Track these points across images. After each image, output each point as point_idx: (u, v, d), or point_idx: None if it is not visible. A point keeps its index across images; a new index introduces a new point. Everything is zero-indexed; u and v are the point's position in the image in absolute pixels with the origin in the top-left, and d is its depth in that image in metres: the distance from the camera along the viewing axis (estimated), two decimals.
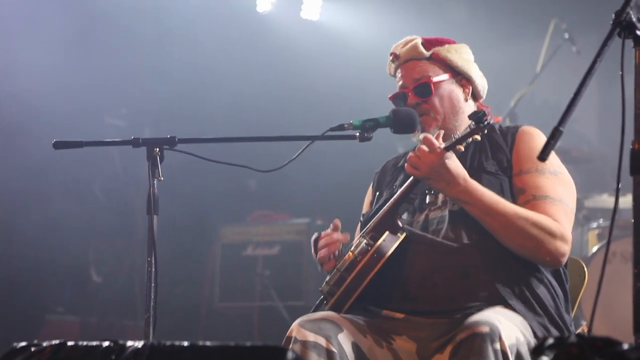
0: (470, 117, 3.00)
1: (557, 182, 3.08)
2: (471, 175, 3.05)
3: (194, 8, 7.66)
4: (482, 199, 2.98)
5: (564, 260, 3.04)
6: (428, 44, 3.33)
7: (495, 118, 3.35)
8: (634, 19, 2.34)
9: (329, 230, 3.24)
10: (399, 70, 3.36)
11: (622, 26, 2.34)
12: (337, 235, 3.20)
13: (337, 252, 3.18)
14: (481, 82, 3.37)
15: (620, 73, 2.37)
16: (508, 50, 8.55)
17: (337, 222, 3.23)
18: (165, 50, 7.59)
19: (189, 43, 7.74)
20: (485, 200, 2.98)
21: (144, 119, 7.71)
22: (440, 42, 3.35)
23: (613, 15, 2.35)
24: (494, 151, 3.19)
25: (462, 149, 3.01)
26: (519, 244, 2.99)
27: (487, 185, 3.05)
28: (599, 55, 2.29)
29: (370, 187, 3.54)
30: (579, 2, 8.11)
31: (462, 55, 3.34)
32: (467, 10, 8.74)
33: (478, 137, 3.00)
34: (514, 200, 3.07)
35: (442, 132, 3.11)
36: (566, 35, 7.42)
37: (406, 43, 3.35)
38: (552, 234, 2.97)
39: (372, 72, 7.87)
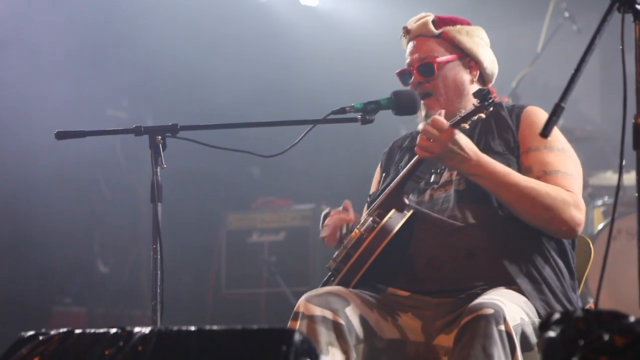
0: (475, 94, 3.00)
1: (566, 158, 3.10)
2: None
3: None
4: (494, 172, 2.99)
5: (580, 229, 3.04)
6: (440, 22, 3.30)
7: (502, 99, 3.36)
8: None
9: (340, 209, 3.27)
10: (409, 45, 3.35)
11: (621, 1, 2.33)
12: (345, 215, 3.22)
13: (343, 231, 3.20)
14: (491, 67, 3.33)
15: (621, 47, 2.37)
16: (508, 31, 8.53)
17: (348, 203, 3.25)
18: (165, 39, 7.57)
19: (189, 31, 7.73)
20: (498, 172, 2.98)
21: (145, 110, 7.70)
22: (453, 22, 3.32)
23: None
24: (500, 131, 3.18)
25: (467, 126, 3.01)
26: (534, 215, 2.99)
27: None
28: (598, 30, 2.29)
29: (378, 167, 3.54)
30: None
31: (474, 38, 3.29)
32: None
33: (483, 115, 3.00)
34: None
35: (443, 111, 3.09)
36: (566, 14, 7.40)
37: (419, 19, 3.32)
38: (566, 203, 2.98)
39: (372, 55, 7.92)
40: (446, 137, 2.94)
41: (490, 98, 2.97)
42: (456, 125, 2.98)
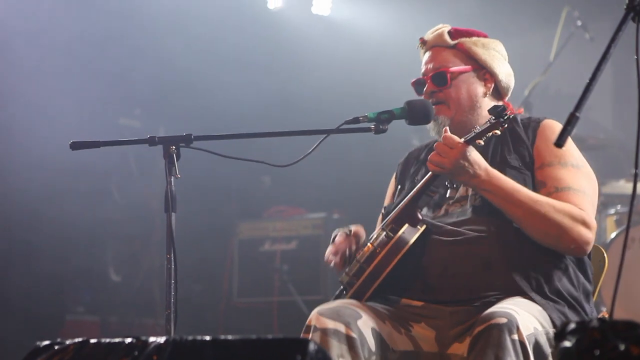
0: (490, 111, 2.97)
1: (580, 174, 3.08)
2: (495, 169, 3.05)
3: (206, 6, 7.67)
4: (504, 188, 2.98)
5: (589, 248, 3.03)
6: (456, 33, 3.30)
7: (517, 110, 3.34)
8: None
9: (343, 237, 3.24)
10: (425, 56, 3.35)
11: (636, 10, 2.33)
12: (350, 242, 3.22)
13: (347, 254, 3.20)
14: (506, 80, 3.31)
15: (636, 57, 2.37)
16: (521, 39, 8.52)
17: (359, 229, 3.24)
18: (178, 48, 7.60)
19: (202, 42, 7.75)
20: (507, 189, 2.98)
21: (158, 119, 7.73)
22: (469, 34, 3.31)
23: (627, 0, 2.34)
24: (516, 145, 3.18)
25: (482, 142, 3.00)
26: (542, 232, 2.99)
27: (512, 179, 3.05)
28: (613, 40, 2.29)
29: (393, 178, 3.53)
30: None
31: (490, 51, 3.28)
32: (479, 1, 8.72)
33: (498, 132, 2.98)
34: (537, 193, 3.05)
35: (447, 128, 3.08)
36: (579, 23, 7.39)
37: (435, 30, 3.33)
38: (575, 220, 2.96)
39: (385, 65, 7.93)
40: (457, 154, 2.94)
41: (506, 115, 2.95)
42: (470, 141, 2.97)
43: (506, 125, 2.99)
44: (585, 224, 2.98)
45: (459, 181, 3.08)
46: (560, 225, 2.96)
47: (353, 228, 3.28)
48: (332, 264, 3.26)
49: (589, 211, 3.02)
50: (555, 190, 3.03)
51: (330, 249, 3.28)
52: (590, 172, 3.14)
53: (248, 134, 3.31)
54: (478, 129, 2.99)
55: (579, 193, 3.03)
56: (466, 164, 2.95)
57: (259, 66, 7.96)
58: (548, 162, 3.10)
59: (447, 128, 3.07)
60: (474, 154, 2.97)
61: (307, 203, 8.11)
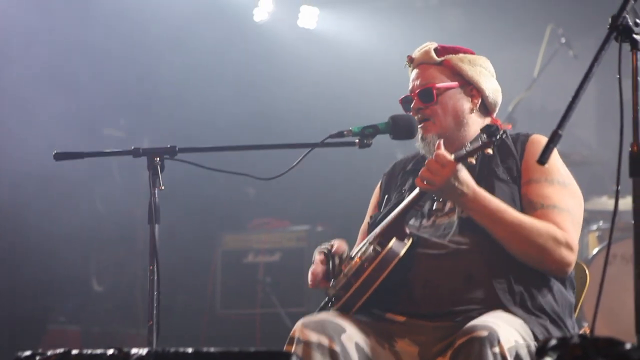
0: (484, 130, 2.97)
1: (566, 192, 3.09)
2: (482, 182, 3.07)
3: (191, 18, 7.68)
4: (489, 207, 2.99)
5: (570, 269, 3.05)
6: (442, 50, 3.31)
7: (505, 126, 3.36)
8: (631, 23, 2.36)
9: (324, 255, 3.24)
10: (412, 73, 3.35)
11: (618, 30, 2.36)
12: (323, 266, 3.21)
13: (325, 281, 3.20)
14: (493, 96, 3.31)
15: (618, 77, 2.39)
16: (505, 55, 8.55)
17: (341, 246, 3.24)
18: (163, 60, 7.60)
19: (187, 53, 7.75)
20: (492, 208, 2.99)
21: (142, 130, 7.72)
22: (455, 51, 3.32)
23: (610, 20, 2.36)
24: (504, 158, 3.18)
25: (474, 162, 3.01)
26: (524, 252, 3.00)
27: (499, 192, 3.06)
28: (596, 59, 2.31)
29: (378, 188, 3.52)
30: (575, 7, 8.13)
31: (476, 67, 3.28)
32: (464, 17, 8.76)
33: (490, 151, 2.99)
34: (522, 209, 3.06)
35: (441, 141, 3.08)
36: (563, 40, 7.44)
37: (422, 47, 3.33)
38: (557, 242, 2.97)
39: (370, 79, 7.95)
40: (449, 172, 2.95)
41: (499, 135, 2.95)
42: (462, 159, 2.98)
43: (496, 144, 3.00)
44: (567, 246, 2.99)
45: (446, 198, 3.09)
46: (543, 248, 2.97)
47: (335, 244, 3.26)
48: (315, 285, 3.25)
49: (572, 232, 3.02)
50: (540, 207, 3.04)
51: (311, 271, 3.27)
52: (577, 189, 3.14)
53: (232, 147, 3.32)
54: (469, 147, 2.99)
55: (563, 212, 3.03)
56: (456, 183, 2.96)
57: (244, 78, 7.97)
58: (536, 178, 3.10)
59: (441, 142, 3.07)
60: (464, 173, 2.98)
61: (291, 215, 8.12)
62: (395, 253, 3.06)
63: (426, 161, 3.01)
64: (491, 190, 3.06)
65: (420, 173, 3.02)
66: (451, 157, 2.97)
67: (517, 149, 3.19)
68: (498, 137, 2.95)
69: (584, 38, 7.77)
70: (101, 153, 3.29)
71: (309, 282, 3.26)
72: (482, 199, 3.00)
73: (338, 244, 3.25)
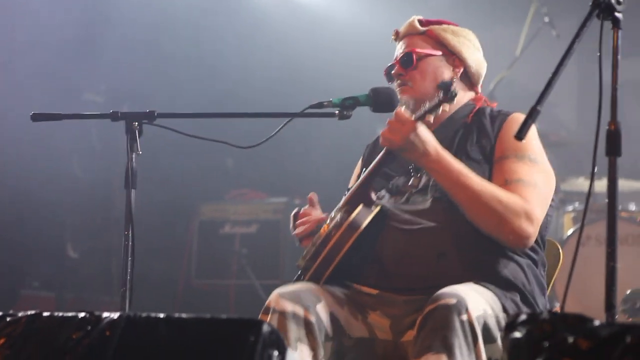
0: (439, 86, 3.01)
1: (534, 168, 3.07)
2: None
3: None
4: (451, 170, 2.99)
5: (529, 242, 3.02)
6: (426, 22, 3.34)
7: (490, 103, 3.36)
8: (613, 1, 2.36)
9: (308, 208, 3.28)
10: (397, 46, 3.37)
11: (600, 7, 2.36)
12: (316, 215, 3.23)
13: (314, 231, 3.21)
14: (476, 67, 3.32)
15: (599, 54, 2.39)
16: (488, 33, 8.53)
17: (313, 195, 3.26)
18: (145, 25, 7.54)
19: (169, 19, 7.69)
20: (454, 171, 2.99)
21: (122, 96, 7.67)
22: (439, 22, 3.34)
23: None
24: (480, 137, 3.18)
25: (431, 120, 3.00)
26: (482, 219, 2.99)
27: None
28: (577, 35, 2.32)
29: (360, 160, 3.53)
30: None
31: (459, 38, 3.30)
32: None
33: (447, 109, 3.00)
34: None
35: (403, 107, 3.11)
36: (546, 19, 7.43)
37: (408, 22, 3.36)
38: (517, 213, 2.95)
39: (352, 51, 7.92)
40: (408, 130, 2.96)
41: (454, 91, 2.96)
42: (420, 118, 2.98)
43: (454, 102, 2.99)
44: (527, 217, 2.97)
45: (409, 158, 3.06)
46: (501, 215, 2.96)
47: (308, 198, 3.31)
48: (300, 240, 3.27)
49: (535, 205, 3.00)
50: (505, 183, 3.03)
51: (299, 225, 3.29)
52: (548, 168, 3.13)
53: (212, 114, 3.33)
54: (427, 105, 3.00)
55: (529, 186, 3.01)
56: (416, 141, 2.96)
57: (226, 47, 7.92)
58: (506, 155, 3.10)
59: (402, 107, 3.09)
60: (425, 132, 2.98)
61: (269, 187, 8.11)
62: (362, 219, 3.06)
63: (387, 120, 3.02)
64: None
65: (381, 132, 3.03)
66: (411, 116, 2.98)
67: (494, 126, 3.19)
68: (453, 92, 2.95)
69: (568, 18, 7.74)
70: (79, 115, 3.27)
71: (297, 231, 3.28)
72: (445, 161, 2.99)
73: (309, 197, 3.28)
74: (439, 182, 3.03)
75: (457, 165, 3.00)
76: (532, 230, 2.99)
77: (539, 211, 3.01)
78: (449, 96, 2.96)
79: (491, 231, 3.00)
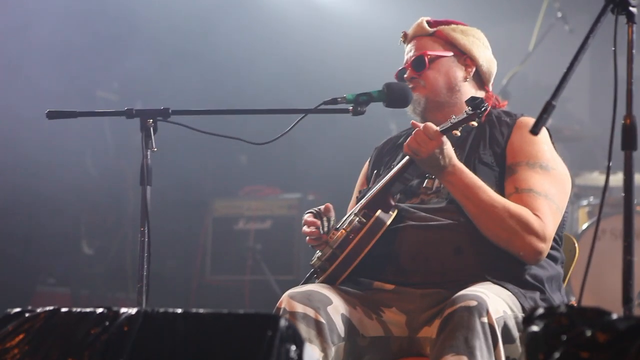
0: (468, 102, 2.99)
1: (546, 177, 3.06)
2: (467, 163, 3.08)
3: None
4: (464, 181, 2.99)
5: (540, 258, 3.01)
6: (434, 22, 3.34)
7: (501, 104, 3.35)
8: None
9: (313, 215, 3.23)
10: (407, 48, 3.37)
11: (615, 2, 2.35)
12: (320, 229, 3.19)
13: (319, 232, 3.18)
14: (487, 66, 3.32)
15: (613, 49, 2.39)
16: (501, 28, 8.54)
17: (329, 206, 3.23)
18: (159, 24, 7.56)
19: (183, 18, 7.71)
20: (468, 184, 2.99)
21: (135, 93, 7.69)
22: (447, 22, 3.34)
23: None
24: (492, 140, 3.18)
25: (458, 133, 3.01)
26: (494, 233, 2.99)
27: (482, 175, 3.05)
28: (592, 30, 2.31)
29: (367, 163, 3.52)
30: None
31: (469, 37, 3.30)
32: None
33: (475, 123, 2.99)
34: (502, 193, 3.05)
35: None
36: (559, 14, 7.42)
37: (415, 23, 3.36)
38: (528, 229, 2.95)
39: (366, 47, 7.93)
40: (435, 145, 2.95)
41: (484, 107, 2.96)
42: (446, 131, 2.99)
43: (483, 118, 3.00)
44: (538, 234, 2.96)
45: (426, 169, 3.08)
46: (512, 232, 2.95)
47: (321, 207, 3.26)
48: (309, 233, 3.22)
49: (547, 220, 2.98)
50: (515, 191, 3.02)
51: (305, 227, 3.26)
52: (561, 174, 3.11)
53: (226, 110, 3.31)
54: (454, 119, 3.00)
55: (540, 197, 3.00)
56: (440, 157, 2.97)
57: (239, 44, 7.93)
58: (517, 161, 3.09)
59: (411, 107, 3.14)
60: (448, 147, 2.99)
61: (283, 183, 8.13)
62: (381, 225, 3.06)
63: (414, 131, 3.01)
64: (474, 173, 3.05)
65: (407, 141, 3.02)
66: (437, 129, 2.97)
67: (503, 130, 3.18)
68: (483, 109, 2.95)
69: (581, 13, 7.75)
70: (94, 113, 3.28)
71: (307, 240, 3.24)
72: (460, 173, 2.99)
73: (325, 205, 3.25)
74: (452, 193, 3.03)
75: (471, 178, 3.00)
76: (543, 247, 2.99)
77: (551, 226, 3.00)
78: (478, 113, 2.96)
79: (502, 245, 3.00)
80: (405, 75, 3.31)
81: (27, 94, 6.76)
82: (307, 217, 3.22)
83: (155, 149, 3.03)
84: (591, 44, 2.37)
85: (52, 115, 3.14)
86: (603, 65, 7.59)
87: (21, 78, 6.87)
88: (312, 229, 3.16)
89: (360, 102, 3.15)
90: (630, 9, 2.36)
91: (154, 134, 3.04)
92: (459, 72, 3.29)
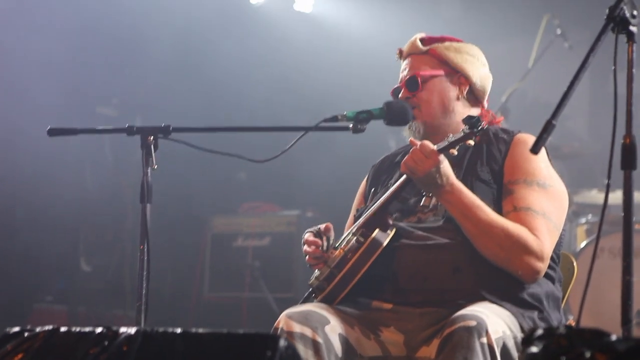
0: (465, 121, 2.99)
1: (544, 195, 3.05)
2: (465, 181, 3.07)
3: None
4: (464, 202, 2.98)
5: (538, 277, 3.01)
6: (428, 40, 3.33)
7: (496, 120, 3.35)
8: (628, 15, 2.36)
9: (313, 234, 3.23)
10: (402, 65, 3.38)
11: (615, 21, 2.36)
12: (318, 241, 3.19)
13: (321, 251, 3.17)
14: (481, 83, 3.31)
15: (613, 68, 2.39)
16: (500, 45, 8.56)
17: (329, 225, 3.23)
18: (158, 40, 7.58)
19: (182, 34, 7.73)
20: (467, 204, 2.98)
21: (134, 109, 7.70)
22: (441, 40, 3.34)
23: (607, 11, 2.37)
24: (489, 157, 3.17)
25: (455, 152, 3.01)
26: (492, 253, 2.98)
27: (480, 193, 3.05)
28: (592, 49, 2.32)
29: (364, 181, 3.52)
30: None
31: (462, 55, 3.29)
32: (461, 5, 8.76)
33: (472, 142, 3.00)
34: (499, 211, 3.05)
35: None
36: (559, 31, 7.44)
37: (410, 41, 3.36)
38: (526, 249, 2.95)
39: (365, 64, 7.94)
40: (432, 164, 2.95)
41: (480, 126, 2.96)
42: (444, 150, 2.98)
43: (479, 137, 3.00)
44: (536, 254, 2.96)
45: (423, 188, 3.08)
46: (510, 251, 2.95)
47: (322, 226, 3.27)
48: (311, 252, 3.21)
49: (545, 239, 2.98)
50: (513, 210, 3.02)
51: (306, 246, 3.25)
52: (559, 192, 3.11)
53: (226, 128, 3.32)
54: (451, 138, 3.00)
55: (537, 216, 2.99)
56: (437, 175, 2.96)
57: (240, 61, 7.95)
58: (514, 179, 3.08)
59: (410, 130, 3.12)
60: (445, 165, 2.98)
61: (282, 200, 8.12)
62: (378, 244, 3.06)
63: (411, 149, 3.01)
64: (471, 190, 3.04)
65: (404, 160, 3.02)
66: (434, 147, 2.97)
67: (501, 147, 3.18)
68: (480, 128, 2.95)
69: (580, 30, 7.77)
70: (95, 130, 3.28)
71: (307, 259, 3.23)
72: (459, 193, 2.99)
73: (326, 225, 3.24)
74: (450, 212, 3.02)
75: (470, 198, 2.99)
76: (541, 266, 2.98)
77: (549, 245, 3.00)
78: (475, 132, 2.96)
79: (500, 264, 2.99)
80: (399, 96, 3.31)
81: (27, 109, 6.77)
82: (308, 236, 3.22)
83: (156, 167, 3.03)
84: (591, 62, 2.37)
85: (53, 132, 3.14)
86: (603, 82, 7.61)
87: (20, 93, 6.87)
88: (313, 248, 3.16)
89: (361, 119, 3.15)
90: (631, 28, 2.37)
91: (155, 151, 3.04)
92: (452, 92, 3.29)
